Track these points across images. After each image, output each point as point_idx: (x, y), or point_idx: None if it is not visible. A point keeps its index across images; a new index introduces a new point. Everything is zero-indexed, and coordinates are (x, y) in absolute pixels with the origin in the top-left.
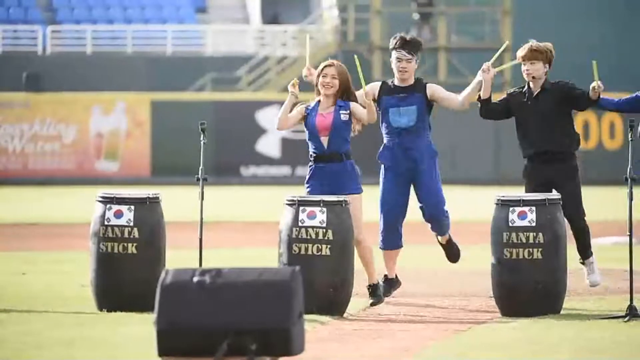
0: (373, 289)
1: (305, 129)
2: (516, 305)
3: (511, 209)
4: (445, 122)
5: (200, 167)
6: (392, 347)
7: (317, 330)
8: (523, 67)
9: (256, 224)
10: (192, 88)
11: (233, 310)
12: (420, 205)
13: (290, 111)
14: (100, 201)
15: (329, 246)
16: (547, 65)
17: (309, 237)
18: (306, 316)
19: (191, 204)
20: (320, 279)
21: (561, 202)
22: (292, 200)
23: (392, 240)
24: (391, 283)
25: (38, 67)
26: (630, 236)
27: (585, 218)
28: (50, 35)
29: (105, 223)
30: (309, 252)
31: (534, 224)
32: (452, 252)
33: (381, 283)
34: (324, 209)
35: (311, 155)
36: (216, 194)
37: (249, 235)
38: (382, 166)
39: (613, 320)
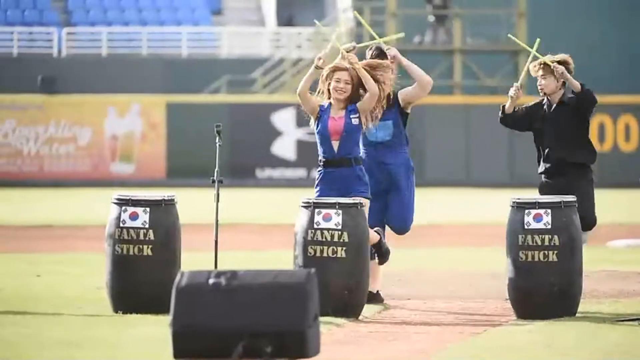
0: (373, 297)
1: (315, 133)
2: (532, 307)
3: (527, 211)
4: (459, 125)
5: (216, 169)
6: (408, 349)
7: (332, 333)
8: (537, 82)
9: (271, 226)
10: (207, 90)
11: (248, 312)
12: (387, 217)
13: (310, 88)
14: (115, 203)
15: (344, 248)
16: (558, 80)
17: (324, 239)
18: (321, 318)
19: (206, 206)
20: (335, 281)
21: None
22: (308, 203)
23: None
24: (374, 297)
25: (53, 70)
26: None
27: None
28: (66, 37)
29: (121, 225)
30: (325, 255)
31: (549, 227)
32: (381, 252)
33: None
34: (340, 211)
35: (321, 160)
36: (231, 196)
37: (264, 237)
38: None
39: (628, 322)
